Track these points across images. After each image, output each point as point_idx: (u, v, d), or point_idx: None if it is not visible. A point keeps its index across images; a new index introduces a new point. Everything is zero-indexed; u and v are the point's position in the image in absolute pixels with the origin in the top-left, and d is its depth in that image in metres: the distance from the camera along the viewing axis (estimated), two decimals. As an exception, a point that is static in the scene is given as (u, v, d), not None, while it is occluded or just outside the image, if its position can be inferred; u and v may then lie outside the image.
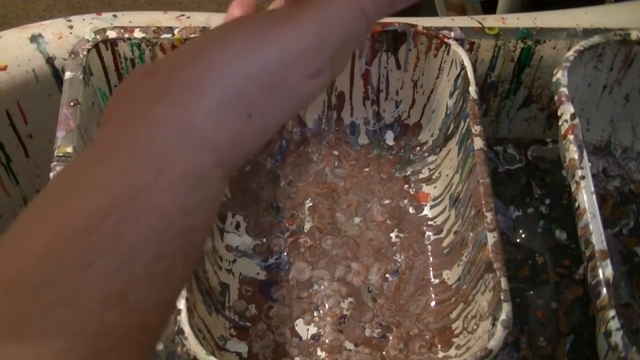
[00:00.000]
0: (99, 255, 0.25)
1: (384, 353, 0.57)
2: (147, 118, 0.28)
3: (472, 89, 0.59)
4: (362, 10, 0.30)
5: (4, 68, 0.64)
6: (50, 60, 0.65)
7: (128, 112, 0.29)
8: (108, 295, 0.25)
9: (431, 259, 0.61)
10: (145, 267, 0.26)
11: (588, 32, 0.63)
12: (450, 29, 0.63)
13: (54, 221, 0.26)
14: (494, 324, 0.50)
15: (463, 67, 0.60)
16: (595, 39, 0.61)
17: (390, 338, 0.58)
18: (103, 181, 0.26)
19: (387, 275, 0.61)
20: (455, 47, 0.61)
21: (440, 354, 0.56)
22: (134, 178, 0.26)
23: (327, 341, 0.58)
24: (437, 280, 0.60)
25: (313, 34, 0.29)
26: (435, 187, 0.65)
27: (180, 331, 0.49)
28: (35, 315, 0.24)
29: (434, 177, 0.65)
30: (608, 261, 0.50)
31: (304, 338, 0.58)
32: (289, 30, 0.29)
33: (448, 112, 0.64)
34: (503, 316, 0.50)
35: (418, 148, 0.67)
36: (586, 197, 0.53)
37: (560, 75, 0.59)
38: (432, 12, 1.20)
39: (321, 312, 0.59)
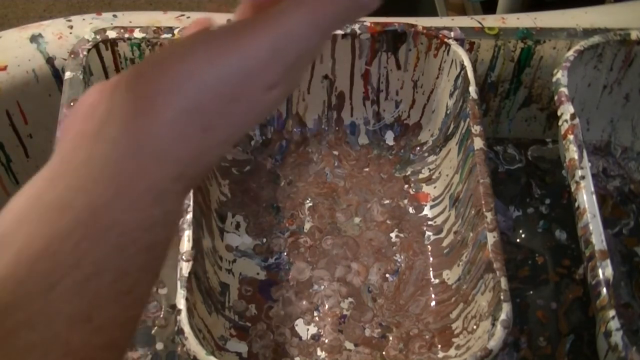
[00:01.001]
0: (62, 275, 0.25)
1: (384, 353, 0.57)
2: (105, 134, 0.28)
3: (472, 89, 0.59)
4: (316, 24, 0.31)
5: (4, 68, 0.64)
6: (50, 60, 0.65)
7: (86, 128, 0.28)
8: (73, 315, 0.25)
9: (431, 259, 0.61)
10: (110, 285, 0.26)
11: (588, 32, 0.63)
12: (450, 29, 0.63)
13: (14, 244, 0.26)
14: (494, 324, 0.50)
15: (463, 67, 0.60)
16: (595, 39, 0.61)
17: (390, 338, 0.58)
18: (62, 201, 0.26)
19: (387, 275, 0.61)
20: (455, 47, 0.61)
21: (440, 354, 0.56)
22: (93, 196, 0.26)
23: (327, 341, 0.58)
24: (437, 280, 0.60)
25: (269, 46, 0.30)
26: (435, 187, 0.65)
27: (180, 331, 0.49)
28: (1, 339, 0.24)
29: (434, 177, 0.65)
30: (608, 261, 0.50)
31: (304, 338, 0.58)
32: (245, 42, 0.29)
33: (448, 112, 0.64)
34: (503, 316, 0.50)
35: (418, 148, 0.67)
36: (586, 197, 0.53)
37: (560, 75, 0.59)
38: (432, 12, 1.20)
39: (321, 312, 0.59)
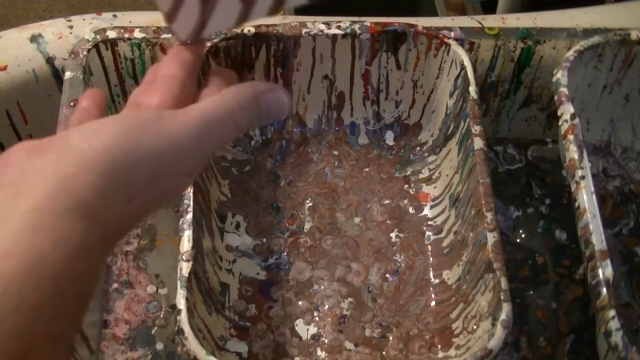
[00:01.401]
0: (5, 316, 0.27)
1: (383, 353, 0.57)
2: (40, 192, 0.30)
3: (472, 89, 0.59)
4: (235, 124, 0.37)
5: (4, 68, 0.64)
6: (50, 60, 0.65)
7: (16, 184, 0.31)
8: (12, 356, 0.27)
9: (431, 259, 0.61)
10: (45, 329, 0.28)
11: (588, 32, 0.63)
12: (450, 29, 0.63)
13: None
14: (494, 324, 0.50)
15: (463, 67, 0.60)
16: (595, 39, 0.61)
17: (390, 338, 0.58)
18: (4, 249, 0.28)
19: (387, 275, 0.61)
20: (455, 47, 0.61)
21: (440, 354, 0.56)
22: (32, 247, 0.28)
23: (327, 341, 0.58)
24: (437, 280, 0.60)
25: (194, 136, 0.35)
26: (435, 187, 0.65)
27: (180, 331, 0.49)
28: None
29: (434, 177, 0.65)
30: (608, 261, 0.50)
31: (304, 338, 0.58)
32: (174, 129, 0.34)
33: (448, 112, 0.64)
34: (503, 316, 0.50)
35: (418, 148, 0.67)
36: (586, 197, 0.53)
37: (560, 75, 0.59)
38: (432, 12, 1.20)
39: (321, 312, 0.59)
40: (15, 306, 0.27)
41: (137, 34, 0.61)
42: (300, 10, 1.10)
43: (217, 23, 0.42)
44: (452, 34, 0.62)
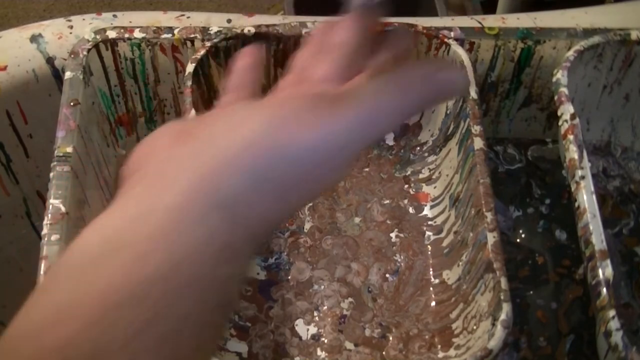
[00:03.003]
0: (145, 327, 0.25)
1: (383, 353, 0.57)
2: (181, 188, 0.27)
3: (472, 89, 0.59)
4: (401, 112, 0.31)
5: (4, 68, 0.64)
6: (50, 60, 0.65)
7: (159, 175, 0.28)
8: None
9: (431, 259, 0.61)
10: (190, 338, 0.26)
11: (588, 32, 0.63)
12: (450, 29, 0.63)
13: (96, 288, 0.25)
14: (494, 324, 0.50)
15: (463, 67, 0.60)
16: (595, 39, 0.61)
17: (390, 338, 0.58)
18: (141, 252, 0.26)
19: (387, 275, 0.61)
20: (455, 47, 0.61)
21: (440, 354, 0.56)
22: (174, 250, 0.26)
23: (327, 341, 0.58)
24: (437, 281, 0.60)
25: (354, 131, 0.30)
26: (435, 187, 0.65)
27: (180, 331, 0.49)
28: None
29: (434, 177, 0.65)
30: (608, 261, 0.50)
31: (304, 338, 0.58)
32: (331, 124, 0.30)
33: (448, 112, 0.64)
34: (503, 316, 0.50)
35: (418, 148, 0.67)
36: (586, 197, 0.53)
37: (560, 75, 0.59)
38: (432, 12, 1.20)
39: (321, 312, 0.59)
40: (155, 315, 0.25)
41: (137, 34, 0.61)
42: (300, 10, 1.10)
43: None
44: (452, 34, 0.62)
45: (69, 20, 0.68)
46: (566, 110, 0.57)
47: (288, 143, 0.29)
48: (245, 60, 0.37)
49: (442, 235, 0.62)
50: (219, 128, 0.29)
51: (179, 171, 0.28)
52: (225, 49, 0.60)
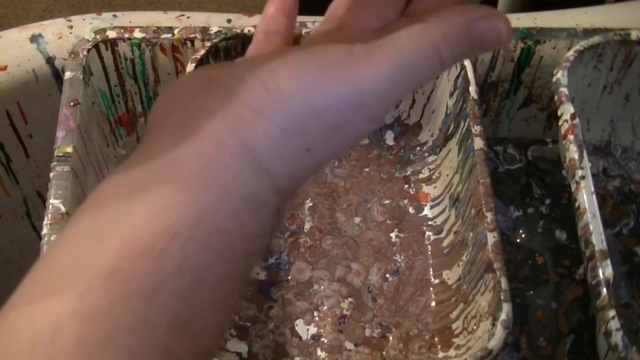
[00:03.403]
0: (166, 278, 0.24)
1: (383, 353, 0.57)
2: (208, 135, 0.27)
3: (472, 89, 0.59)
4: (440, 60, 0.30)
5: (4, 68, 0.64)
6: (50, 60, 0.65)
7: (186, 123, 0.28)
8: (174, 321, 0.24)
9: (431, 259, 0.61)
10: (209, 292, 0.25)
11: (588, 32, 0.63)
12: (450, 29, 0.63)
13: (116, 239, 0.25)
14: (494, 324, 0.50)
15: (463, 67, 0.60)
16: (595, 39, 0.61)
17: (390, 338, 0.58)
18: (166, 199, 0.25)
19: (387, 276, 0.61)
20: (455, 47, 0.61)
21: (440, 354, 0.56)
22: (199, 198, 0.25)
23: (327, 341, 0.58)
24: (437, 281, 0.60)
25: (388, 80, 0.29)
26: (435, 187, 0.65)
27: (180, 331, 0.49)
28: (102, 341, 0.23)
29: (434, 177, 0.65)
30: (608, 261, 0.50)
31: (304, 338, 0.58)
32: (363, 73, 0.28)
33: (448, 112, 0.64)
34: (503, 316, 0.50)
35: (418, 148, 0.67)
36: (586, 197, 0.53)
37: (560, 75, 0.59)
38: (432, 12, 1.19)
39: (321, 312, 0.59)
40: (176, 267, 0.24)
41: (137, 34, 0.61)
42: (300, 10, 1.10)
43: None
44: (452, 34, 0.62)
45: (69, 20, 0.68)
46: (566, 110, 0.57)
47: (318, 97, 0.28)
48: (278, 5, 0.35)
49: (442, 235, 0.62)
50: (249, 77, 0.28)
51: (207, 119, 0.27)
52: (225, 49, 0.60)
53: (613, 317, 0.48)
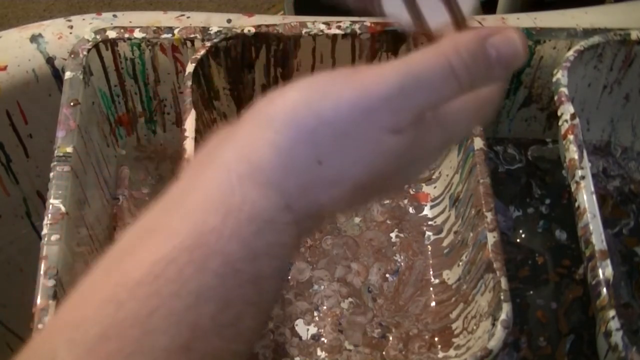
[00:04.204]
0: (163, 302, 0.24)
1: (383, 353, 0.57)
2: (215, 162, 0.27)
3: (472, 89, 0.59)
4: (452, 72, 0.29)
5: (4, 68, 0.64)
6: (50, 60, 0.65)
7: (201, 159, 0.28)
8: (171, 345, 0.24)
9: (431, 259, 0.61)
10: (211, 316, 0.25)
11: (588, 32, 0.63)
12: (450, 29, 0.63)
13: (118, 271, 0.25)
14: (494, 324, 0.50)
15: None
16: (595, 39, 0.61)
17: (390, 338, 0.58)
18: (168, 229, 0.26)
19: (387, 276, 0.61)
20: (455, 47, 0.61)
21: (440, 354, 0.56)
22: (199, 223, 0.25)
23: (327, 341, 0.58)
24: (437, 281, 0.60)
25: (396, 85, 0.28)
26: (435, 187, 0.65)
27: (180, 331, 0.49)
28: None
29: (434, 177, 0.65)
30: (608, 261, 0.50)
31: (304, 338, 0.58)
32: (369, 78, 0.28)
33: (448, 112, 0.64)
34: (503, 316, 0.50)
35: (418, 148, 0.67)
36: (586, 197, 0.53)
37: (560, 75, 0.59)
38: (432, 12, 1.19)
39: (321, 312, 0.59)
40: (174, 291, 0.24)
41: (137, 34, 0.61)
42: (300, 11, 1.10)
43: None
44: (452, 34, 0.62)
45: (69, 20, 0.68)
46: (566, 110, 0.57)
47: (324, 102, 0.27)
48: None
49: (442, 235, 0.62)
50: (260, 102, 0.29)
51: (221, 149, 0.28)
52: (225, 49, 0.60)
53: (613, 317, 0.48)
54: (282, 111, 0.28)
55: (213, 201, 0.26)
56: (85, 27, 0.67)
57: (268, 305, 0.28)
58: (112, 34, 0.61)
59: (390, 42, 0.62)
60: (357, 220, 0.64)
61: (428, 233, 0.63)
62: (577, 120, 0.56)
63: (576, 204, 0.53)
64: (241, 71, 0.62)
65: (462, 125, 0.31)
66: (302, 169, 0.27)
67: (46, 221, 0.52)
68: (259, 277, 0.26)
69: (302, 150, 0.27)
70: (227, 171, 0.27)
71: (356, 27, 0.61)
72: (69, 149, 0.55)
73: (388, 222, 0.63)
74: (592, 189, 0.53)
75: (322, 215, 0.29)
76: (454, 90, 0.29)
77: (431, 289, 0.60)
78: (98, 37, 0.61)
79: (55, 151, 0.55)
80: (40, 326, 0.48)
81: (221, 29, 0.61)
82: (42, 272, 0.50)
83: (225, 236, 0.26)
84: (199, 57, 0.59)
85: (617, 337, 0.47)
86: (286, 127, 0.27)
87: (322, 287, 0.60)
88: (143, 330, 0.24)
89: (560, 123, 0.57)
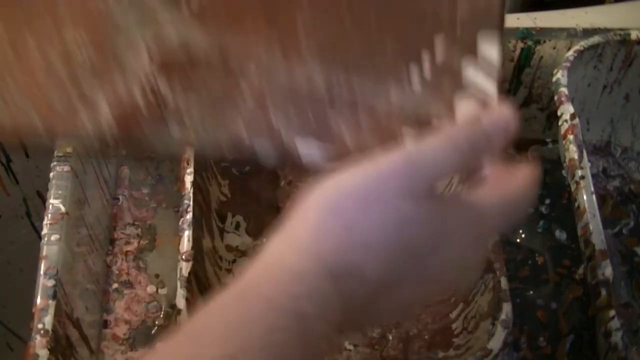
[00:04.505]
0: None
1: (383, 353, 0.57)
2: (264, 279, 0.31)
3: (472, 89, 0.59)
4: (456, 148, 0.33)
5: (4, 68, 0.64)
6: (50, 60, 0.65)
7: (260, 261, 0.32)
8: None
9: (431, 259, 0.61)
10: None
11: (588, 32, 0.63)
12: (450, 29, 0.63)
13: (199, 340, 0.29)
14: (493, 324, 0.50)
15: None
16: (595, 39, 0.61)
17: (390, 338, 0.58)
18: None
19: (387, 275, 0.61)
20: (455, 47, 0.61)
21: (440, 354, 0.56)
22: (219, 350, 0.28)
23: (327, 341, 0.57)
24: (437, 280, 0.60)
25: (403, 158, 0.32)
26: (435, 187, 0.65)
27: (180, 331, 0.49)
28: None
29: (434, 177, 0.65)
30: (608, 261, 0.50)
31: (303, 338, 0.58)
32: (382, 157, 0.32)
33: (448, 112, 0.64)
34: (503, 316, 0.50)
35: (418, 148, 0.67)
36: (586, 197, 0.53)
37: (560, 75, 0.59)
38: (432, 12, 1.19)
39: (321, 312, 0.59)
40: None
41: (137, 34, 0.61)
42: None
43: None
44: (452, 34, 0.62)
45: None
46: (566, 110, 0.57)
47: (345, 177, 0.32)
48: None
49: (442, 235, 0.62)
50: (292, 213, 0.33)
51: (263, 265, 0.32)
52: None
53: (613, 317, 0.48)
54: (311, 194, 0.32)
55: (232, 327, 0.30)
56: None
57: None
58: (112, 34, 0.61)
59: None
60: (357, 220, 0.64)
61: (428, 233, 0.63)
62: (577, 120, 0.56)
63: (576, 204, 0.53)
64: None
65: (494, 218, 0.35)
66: (333, 236, 0.31)
67: (46, 221, 0.52)
68: (307, 338, 0.30)
69: (330, 221, 0.31)
70: (271, 254, 0.32)
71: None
72: (69, 149, 0.55)
73: (388, 222, 0.63)
74: (592, 189, 0.53)
75: (364, 278, 0.31)
76: (459, 162, 0.33)
77: (431, 289, 0.60)
78: (98, 37, 0.61)
79: (55, 151, 0.55)
80: (40, 326, 0.48)
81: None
82: (42, 272, 0.50)
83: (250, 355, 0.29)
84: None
85: (617, 337, 0.47)
86: (313, 205, 0.32)
87: (322, 287, 0.60)
88: None
89: (560, 123, 0.57)
